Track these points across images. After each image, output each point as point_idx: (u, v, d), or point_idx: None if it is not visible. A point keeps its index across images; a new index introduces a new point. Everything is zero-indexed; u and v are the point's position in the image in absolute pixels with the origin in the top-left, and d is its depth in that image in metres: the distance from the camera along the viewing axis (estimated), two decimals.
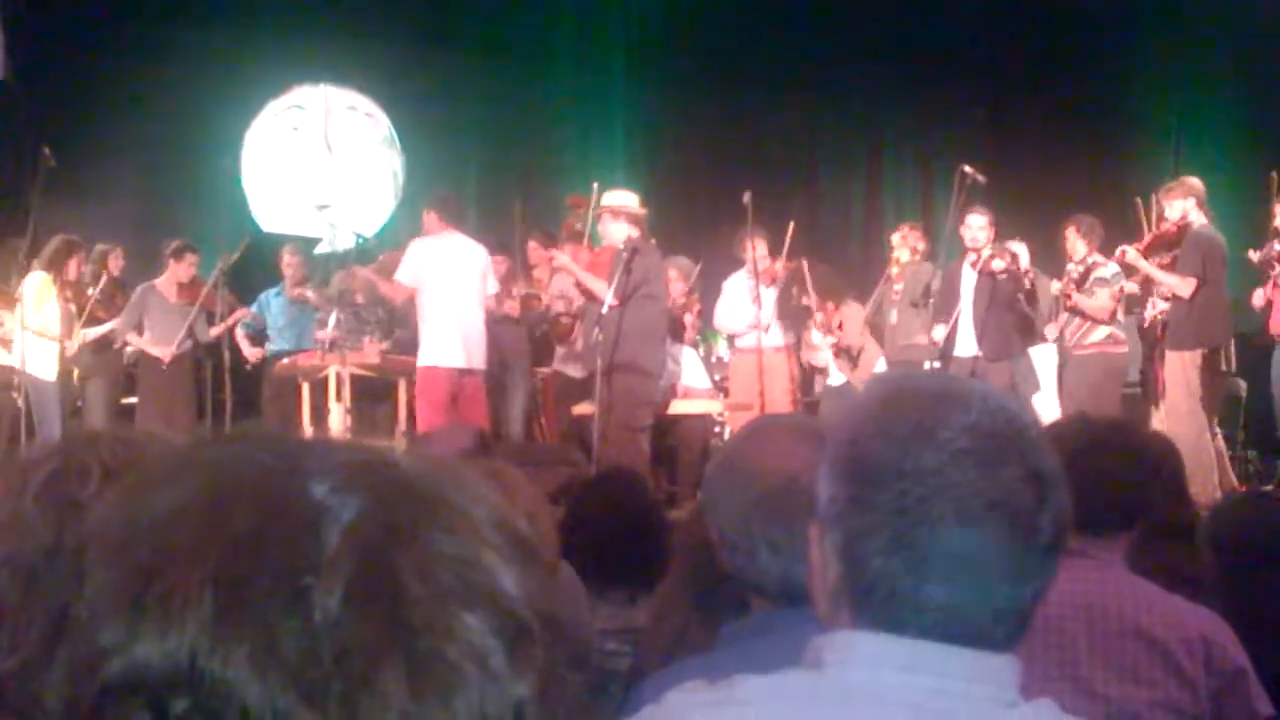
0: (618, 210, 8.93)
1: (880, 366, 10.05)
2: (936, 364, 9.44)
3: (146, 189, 12.50)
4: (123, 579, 0.77)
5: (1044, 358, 9.88)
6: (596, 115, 14.28)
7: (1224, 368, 9.29)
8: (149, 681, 0.75)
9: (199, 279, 10.38)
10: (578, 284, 9.08)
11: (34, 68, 12.26)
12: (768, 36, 13.75)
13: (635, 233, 8.85)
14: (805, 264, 10.32)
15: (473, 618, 0.77)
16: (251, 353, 10.68)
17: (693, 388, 10.16)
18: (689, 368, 10.38)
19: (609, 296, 8.49)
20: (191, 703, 0.74)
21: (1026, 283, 9.34)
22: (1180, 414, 8.72)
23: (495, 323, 9.38)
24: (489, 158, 13.89)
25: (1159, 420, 9.17)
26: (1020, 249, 9.79)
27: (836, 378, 10.27)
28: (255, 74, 13.26)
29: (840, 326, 10.20)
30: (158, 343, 10.12)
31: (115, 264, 10.54)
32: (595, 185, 9.57)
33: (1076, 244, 9.36)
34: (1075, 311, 9.37)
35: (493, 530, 0.81)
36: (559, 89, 14.21)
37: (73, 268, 9.97)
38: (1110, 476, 2.76)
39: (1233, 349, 9.23)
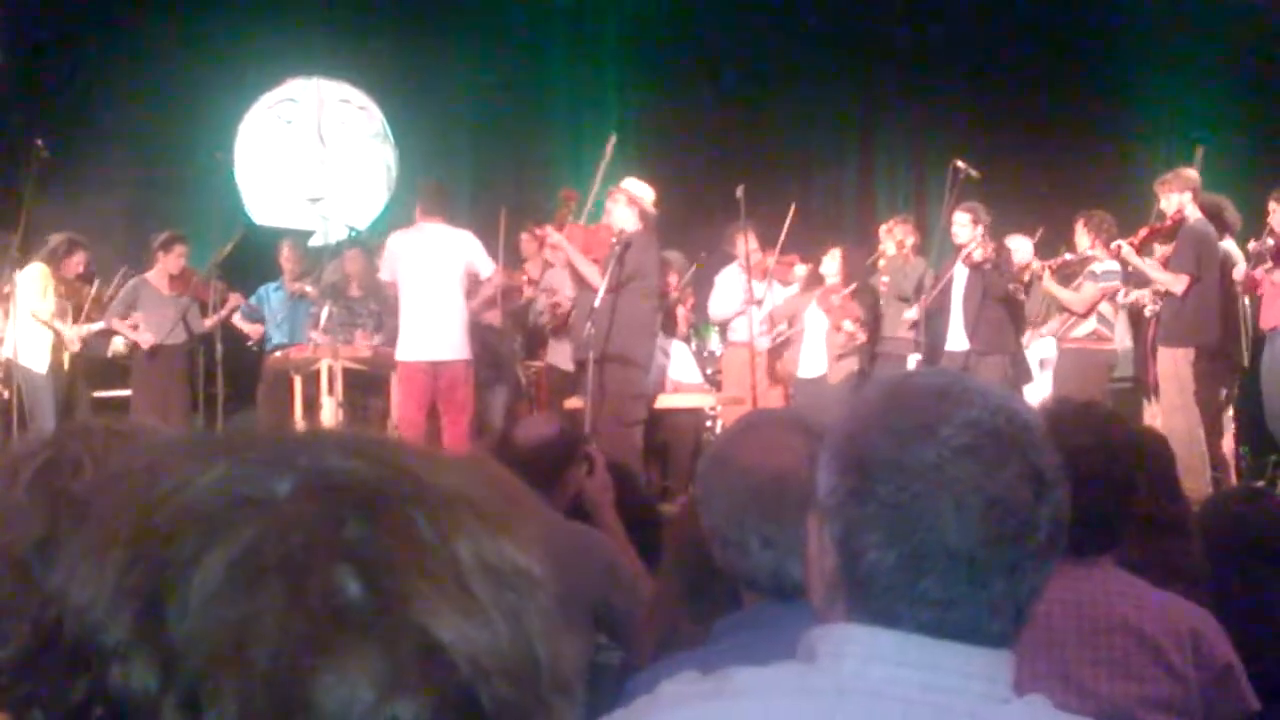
0: (634, 198, 8.85)
1: (853, 364, 10.03)
2: (917, 356, 9.47)
3: (139, 181, 12.47)
4: (82, 531, 0.78)
5: (1043, 351, 9.86)
6: (589, 109, 14.27)
7: (1244, 365, 9.26)
8: (73, 635, 0.75)
9: (189, 270, 10.37)
10: (569, 267, 8.98)
11: (27, 60, 12.24)
12: (760, 31, 13.75)
13: (639, 227, 8.79)
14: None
15: (347, 665, 0.73)
16: (252, 329, 10.64)
17: (684, 382, 10.16)
18: (681, 362, 10.37)
19: (602, 289, 8.43)
20: (100, 662, 0.74)
21: (1025, 276, 9.36)
22: (1174, 410, 8.71)
23: (479, 312, 9.33)
24: (481, 151, 13.88)
25: (1150, 415, 9.18)
26: (1024, 244, 9.79)
27: (807, 370, 10.22)
28: (248, 67, 13.26)
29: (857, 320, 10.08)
30: (153, 334, 10.11)
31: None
32: (613, 137, 9.49)
33: (1081, 237, 9.35)
34: (1049, 297, 9.39)
35: (464, 567, 0.78)
36: (552, 82, 14.21)
37: (70, 266, 9.96)
38: (1089, 504, 2.72)
39: (1244, 344, 9.20)
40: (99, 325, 10.19)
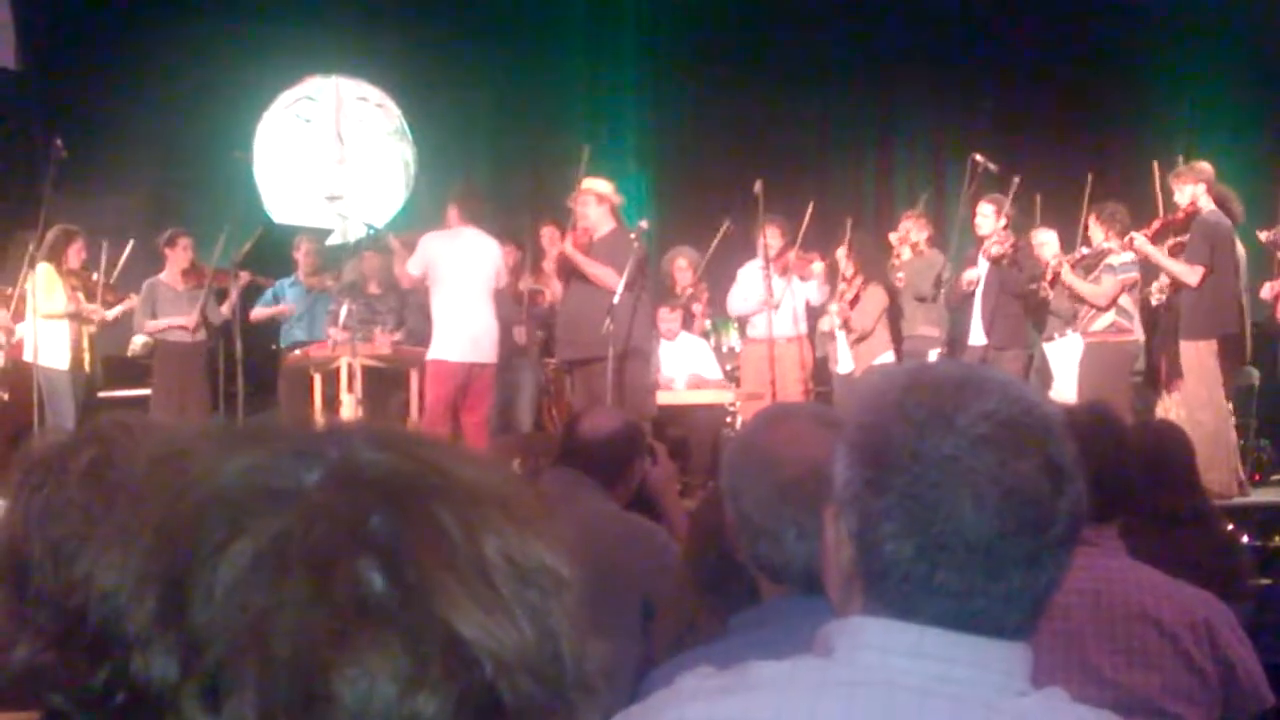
0: (602, 196, 9.00)
1: (886, 358, 10.01)
2: (940, 351, 9.45)
3: (158, 180, 12.51)
4: (109, 518, 0.78)
5: (1070, 348, 9.80)
6: (608, 104, 14.28)
7: (1248, 356, 9.24)
8: (97, 622, 0.75)
9: (198, 262, 10.42)
10: (576, 269, 9.06)
11: (46, 59, 12.28)
12: (778, 25, 13.73)
13: (614, 223, 8.98)
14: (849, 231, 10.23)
15: (369, 658, 0.73)
16: (279, 309, 10.66)
17: (704, 378, 10.17)
18: (700, 358, 10.38)
19: (620, 286, 8.54)
20: (120, 652, 0.74)
21: (1048, 272, 9.31)
22: (1200, 403, 8.65)
23: (505, 314, 9.39)
24: (500, 148, 13.89)
25: (1163, 408, 9.14)
26: (1049, 236, 9.74)
27: (845, 365, 10.23)
28: (267, 65, 13.27)
29: (854, 302, 10.06)
30: (175, 333, 10.17)
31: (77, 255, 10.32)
32: (586, 149, 9.61)
33: (1095, 230, 9.33)
34: (1072, 295, 9.36)
35: (489, 563, 0.77)
36: (570, 79, 14.20)
37: (72, 255, 9.98)
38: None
39: (1248, 337, 9.18)
40: (118, 309, 10.24)
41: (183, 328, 10.12)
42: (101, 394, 10.33)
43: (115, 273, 10.49)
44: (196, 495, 0.77)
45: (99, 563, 0.76)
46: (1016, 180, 9.33)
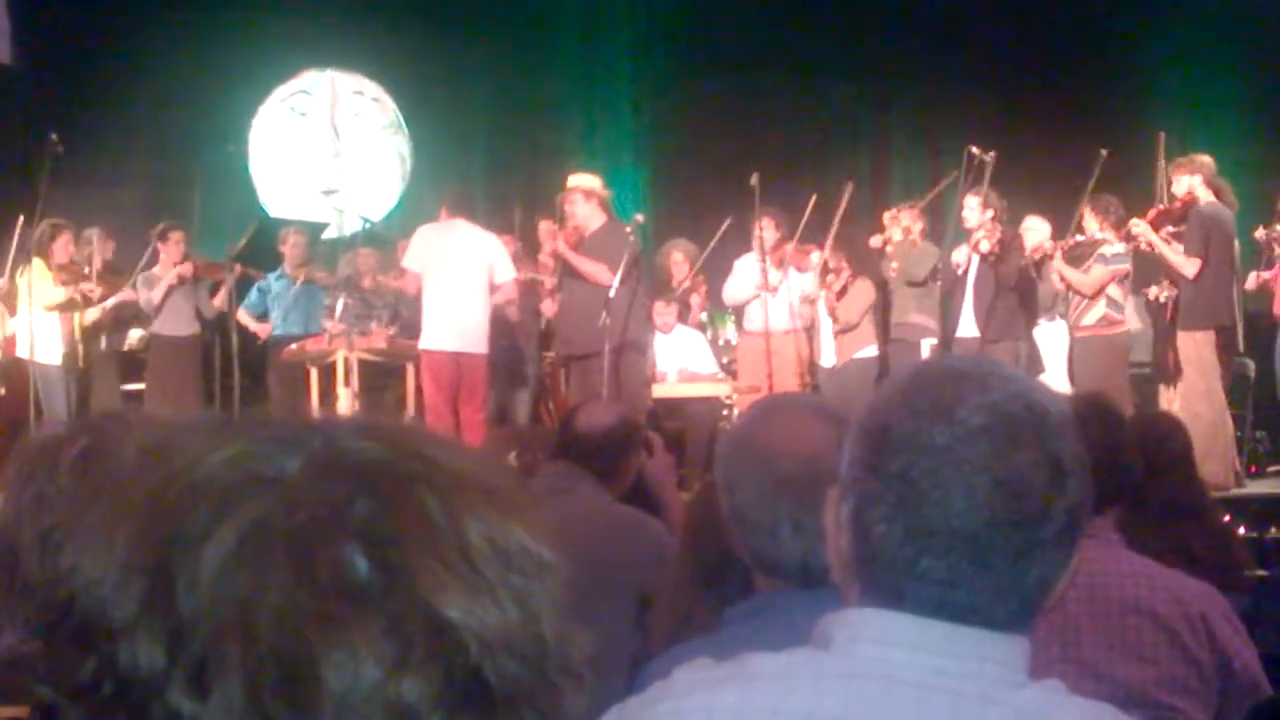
0: (590, 192, 9.06)
1: (869, 351, 10.06)
2: (933, 342, 9.47)
3: (153, 175, 12.51)
4: (95, 508, 0.78)
5: (1055, 336, 9.82)
6: (603, 97, 14.27)
7: (1240, 349, 9.25)
8: (83, 611, 0.75)
9: (190, 255, 10.41)
10: (571, 267, 9.09)
11: (41, 53, 12.27)
12: (774, 18, 13.71)
13: (604, 218, 9.06)
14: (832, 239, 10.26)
15: (354, 641, 0.73)
16: (260, 328, 10.68)
17: (699, 372, 10.18)
18: (696, 351, 10.38)
19: (616, 280, 8.61)
20: (107, 641, 0.74)
21: (1036, 256, 9.33)
22: (1197, 394, 8.66)
23: (505, 306, 9.43)
24: (495, 141, 13.89)
25: (1167, 400, 9.15)
26: (1041, 226, 9.75)
27: (828, 358, 10.26)
28: (262, 59, 13.27)
29: (840, 294, 10.09)
30: (169, 327, 10.19)
31: (104, 250, 10.41)
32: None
33: (1089, 221, 9.33)
34: (1062, 281, 9.36)
35: (472, 548, 0.78)
36: (566, 71, 14.20)
37: (59, 250, 9.94)
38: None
39: (1240, 329, 9.19)
40: (119, 297, 10.24)
41: (169, 343, 10.16)
42: (103, 389, 10.33)
43: (109, 256, 10.50)
44: (180, 484, 0.77)
45: (84, 552, 0.76)
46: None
